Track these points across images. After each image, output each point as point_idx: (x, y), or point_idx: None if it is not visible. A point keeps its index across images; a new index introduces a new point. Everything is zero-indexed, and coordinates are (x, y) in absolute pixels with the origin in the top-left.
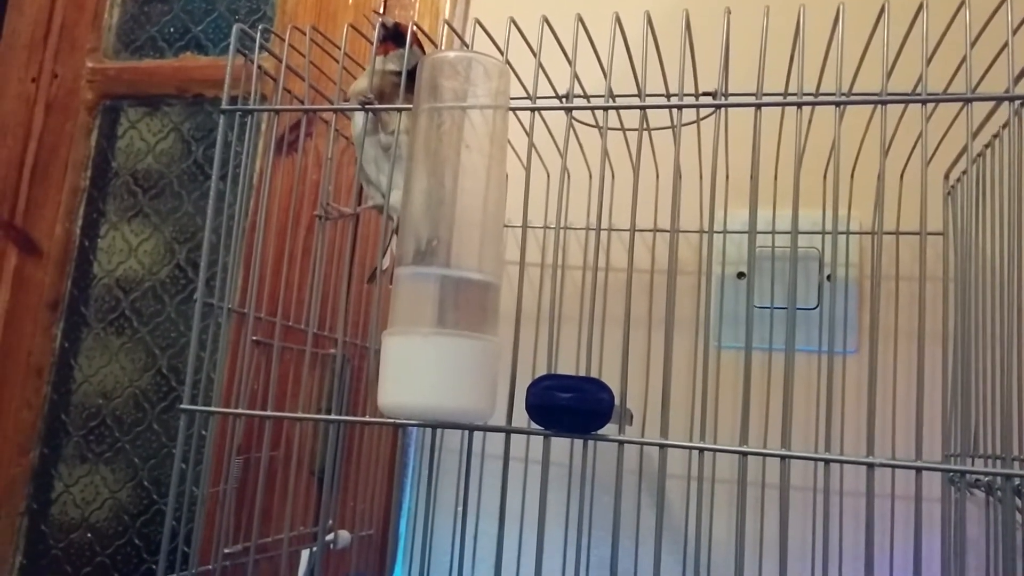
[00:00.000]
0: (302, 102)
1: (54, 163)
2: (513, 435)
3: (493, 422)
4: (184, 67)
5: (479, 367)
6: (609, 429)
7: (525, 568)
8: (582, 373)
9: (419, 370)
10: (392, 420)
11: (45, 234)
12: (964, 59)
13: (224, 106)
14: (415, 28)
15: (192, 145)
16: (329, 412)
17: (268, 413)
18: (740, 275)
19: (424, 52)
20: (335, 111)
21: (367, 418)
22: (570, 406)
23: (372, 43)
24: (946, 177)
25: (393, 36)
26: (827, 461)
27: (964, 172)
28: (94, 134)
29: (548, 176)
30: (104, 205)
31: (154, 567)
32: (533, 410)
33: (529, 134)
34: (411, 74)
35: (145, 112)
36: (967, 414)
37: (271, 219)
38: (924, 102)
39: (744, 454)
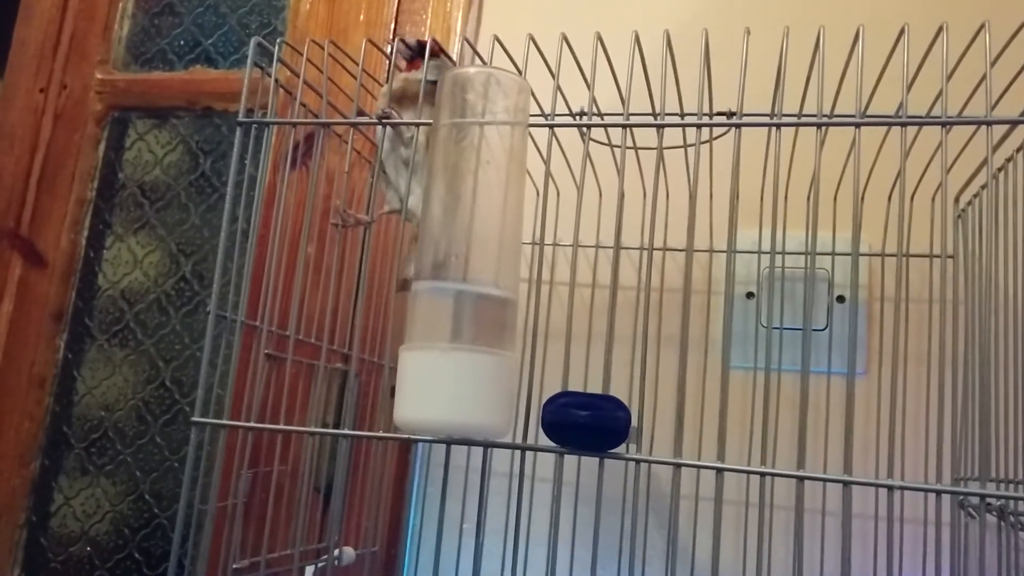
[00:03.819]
0: (316, 116)
1: (61, 174)
2: (518, 451)
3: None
4: (194, 80)
5: (497, 383)
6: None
7: None
8: (591, 391)
9: (437, 385)
10: (405, 436)
11: (50, 245)
12: (982, 79)
13: (240, 118)
14: (437, 42)
15: (200, 158)
16: (337, 427)
17: (280, 427)
18: (749, 295)
19: (454, 63)
20: (351, 125)
21: (380, 433)
22: (587, 424)
23: (389, 58)
24: (956, 200)
25: (419, 54)
26: (845, 483)
27: (975, 195)
28: (102, 145)
29: (559, 194)
30: (110, 216)
31: None
32: (549, 427)
33: (544, 152)
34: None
35: (153, 124)
36: (985, 437)
37: (283, 232)
38: (944, 124)
39: (763, 475)
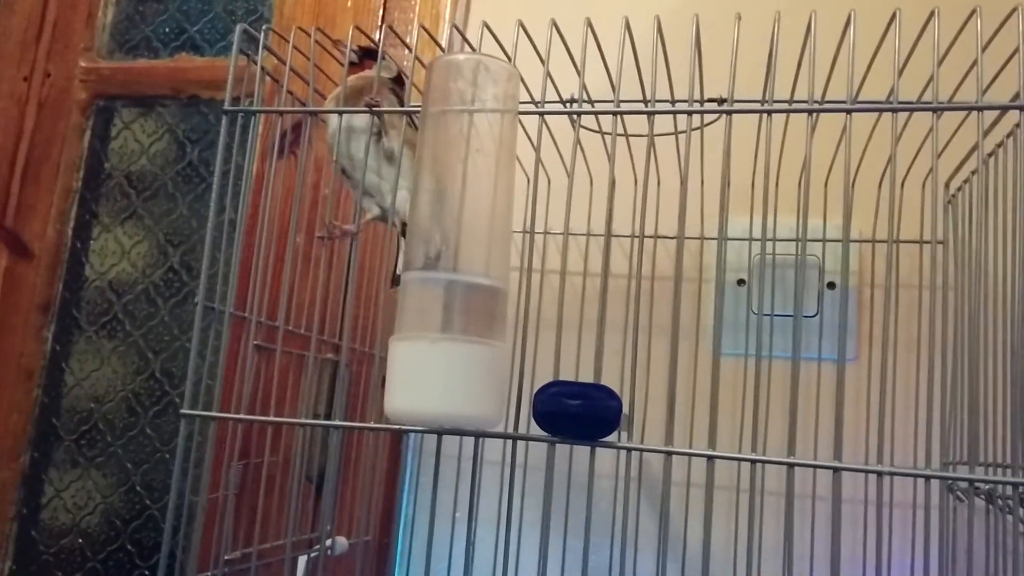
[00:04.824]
0: (303, 104)
1: (46, 164)
2: (508, 440)
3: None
4: (179, 68)
5: (487, 373)
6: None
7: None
8: (582, 379)
9: (427, 376)
10: (397, 426)
11: (36, 235)
12: (973, 65)
13: (227, 107)
14: (419, 28)
15: (187, 147)
16: (329, 417)
17: (271, 418)
18: (740, 282)
19: (399, 67)
20: (340, 113)
21: (372, 424)
22: (579, 413)
23: (376, 45)
24: (946, 186)
25: (367, 56)
26: (835, 469)
27: (965, 181)
28: (87, 134)
29: (549, 182)
30: (97, 207)
31: (146, 573)
32: (541, 416)
33: (534, 139)
34: (396, 80)
35: (139, 113)
36: (974, 422)
37: (271, 222)
38: (935, 110)
39: (754, 462)
